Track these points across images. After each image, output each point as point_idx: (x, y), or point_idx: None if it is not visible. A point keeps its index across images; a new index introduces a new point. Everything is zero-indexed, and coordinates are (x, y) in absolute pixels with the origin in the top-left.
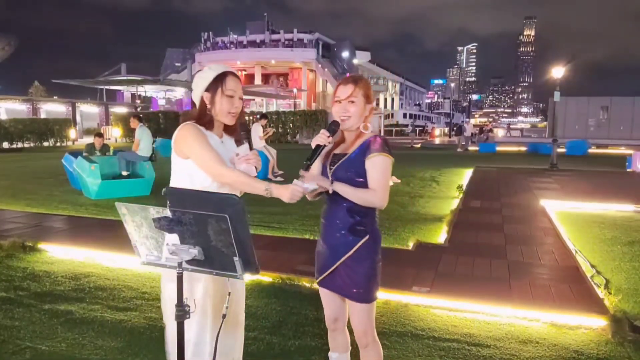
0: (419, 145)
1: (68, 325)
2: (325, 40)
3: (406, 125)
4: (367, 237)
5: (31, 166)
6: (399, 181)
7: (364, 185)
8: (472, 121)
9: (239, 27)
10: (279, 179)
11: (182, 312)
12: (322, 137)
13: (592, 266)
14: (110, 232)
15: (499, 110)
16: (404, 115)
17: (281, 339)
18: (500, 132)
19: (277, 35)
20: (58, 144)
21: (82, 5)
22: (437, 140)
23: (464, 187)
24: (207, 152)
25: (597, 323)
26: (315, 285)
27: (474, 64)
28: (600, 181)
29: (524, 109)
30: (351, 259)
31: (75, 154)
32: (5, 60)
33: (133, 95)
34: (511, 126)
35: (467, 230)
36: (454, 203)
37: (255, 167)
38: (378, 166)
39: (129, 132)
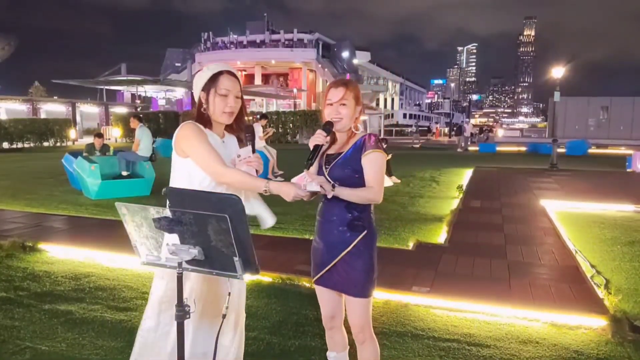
0: (419, 146)
1: (68, 325)
2: (325, 40)
3: (406, 126)
4: (365, 232)
5: (31, 166)
6: (399, 181)
7: (360, 180)
8: (472, 121)
9: (239, 27)
10: (279, 179)
11: (182, 312)
12: (319, 137)
13: (592, 266)
14: (110, 232)
15: (499, 110)
16: (404, 116)
17: (281, 339)
18: (500, 132)
19: (277, 36)
20: (58, 144)
21: (82, 5)
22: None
23: (464, 187)
24: (206, 151)
25: (597, 323)
26: (315, 285)
27: (474, 64)
28: (600, 181)
29: (524, 109)
30: (349, 255)
31: (75, 154)
32: (5, 60)
33: (133, 96)
34: (510, 126)
35: (467, 230)
36: (454, 203)
37: (257, 170)
38: (374, 162)
39: (129, 132)
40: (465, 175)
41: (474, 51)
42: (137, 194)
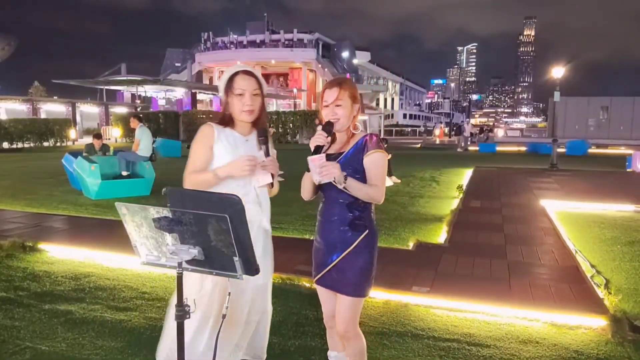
0: (419, 146)
1: (68, 325)
2: (325, 40)
3: (406, 126)
4: (367, 231)
5: (31, 166)
6: (399, 181)
7: (361, 180)
8: (472, 121)
9: (239, 27)
10: (279, 179)
11: (182, 312)
12: (321, 138)
13: (592, 266)
14: (110, 232)
15: (499, 110)
16: (404, 116)
17: (281, 339)
18: (500, 132)
19: (277, 36)
20: (58, 144)
21: (82, 5)
22: (437, 141)
23: (464, 187)
24: (194, 154)
25: (597, 323)
26: (315, 285)
27: (474, 64)
28: (600, 181)
29: (524, 109)
30: (350, 254)
31: (75, 154)
32: (5, 60)
33: (133, 96)
34: (510, 126)
35: (467, 230)
36: (454, 203)
37: (272, 175)
38: (377, 162)
39: (129, 132)
40: (465, 175)
41: (474, 51)
42: (137, 194)
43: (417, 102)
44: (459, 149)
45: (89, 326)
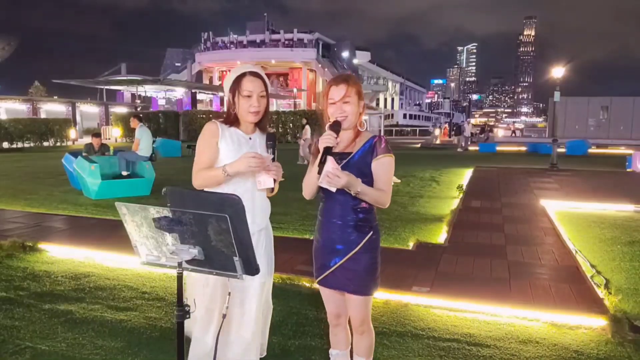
0: (418, 145)
1: (68, 325)
2: (325, 40)
3: (406, 126)
4: (371, 233)
5: (31, 166)
6: (399, 181)
7: (367, 183)
8: (472, 121)
9: (239, 27)
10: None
11: (182, 312)
12: (330, 139)
13: (592, 266)
14: (110, 232)
15: (499, 110)
16: (404, 116)
17: (281, 339)
18: (500, 132)
19: (277, 35)
20: (58, 144)
21: (82, 6)
22: (437, 140)
23: (464, 187)
24: (201, 152)
25: (597, 323)
26: (316, 285)
27: (474, 64)
28: (600, 181)
29: (524, 109)
30: (355, 256)
31: (75, 154)
32: (5, 60)
33: (133, 95)
34: (509, 126)
35: (467, 230)
36: (454, 203)
37: (275, 180)
38: (386, 167)
39: (129, 132)
40: (465, 175)
41: (474, 51)
42: (137, 194)
43: (417, 102)
44: (459, 149)
45: (89, 326)
